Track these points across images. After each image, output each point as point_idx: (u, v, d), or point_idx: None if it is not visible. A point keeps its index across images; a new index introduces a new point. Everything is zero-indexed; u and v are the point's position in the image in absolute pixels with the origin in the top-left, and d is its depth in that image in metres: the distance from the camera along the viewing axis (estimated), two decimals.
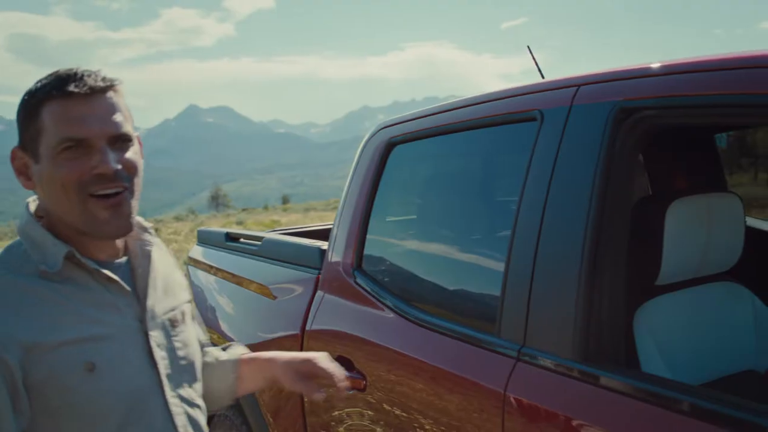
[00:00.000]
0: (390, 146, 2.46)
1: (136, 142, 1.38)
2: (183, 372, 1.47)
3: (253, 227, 19.65)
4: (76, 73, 1.29)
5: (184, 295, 1.60)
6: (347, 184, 2.64)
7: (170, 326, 1.46)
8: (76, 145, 1.27)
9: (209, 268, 3.68)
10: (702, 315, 1.89)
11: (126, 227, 1.34)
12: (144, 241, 1.45)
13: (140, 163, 1.37)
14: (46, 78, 1.31)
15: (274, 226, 12.93)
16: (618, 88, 1.63)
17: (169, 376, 1.41)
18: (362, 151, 2.61)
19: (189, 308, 1.59)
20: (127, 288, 1.37)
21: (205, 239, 4.23)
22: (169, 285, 1.52)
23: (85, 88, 1.27)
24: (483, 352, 1.81)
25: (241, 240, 3.65)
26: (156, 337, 1.41)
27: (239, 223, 23.27)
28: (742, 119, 1.45)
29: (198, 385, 1.53)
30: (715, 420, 1.32)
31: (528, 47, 3.00)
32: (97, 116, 1.28)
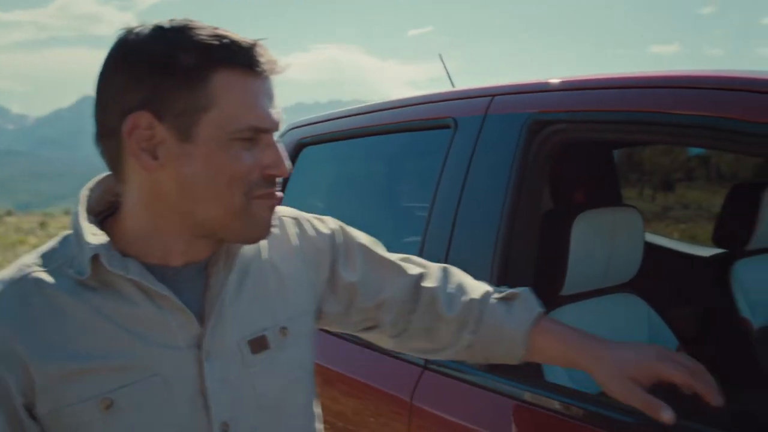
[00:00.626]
0: (299, 147, 2.42)
1: None
2: (259, 416, 1.11)
3: None
4: (254, 43, 1.01)
5: (306, 301, 1.24)
6: None
7: (249, 353, 1.11)
8: (254, 136, 1.02)
9: None
10: (602, 325, 1.94)
11: (269, 232, 1.10)
12: (233, 246, 1.12)
13: None
14: (204, 34, 0.98)
15: None
16: (533, 100, 1.66)
17: (229, 424, 1.06)
18: None
19: (307, 321, 1.24)
20: (180, 304, 1.03)
21: None
22: (270, 292, 1.17)
23: (267, 70, 1.02)
24: (392, 361, 1.79)
25: None
26: (217, 369, 1.06)
27: None
28: (647, 137, 1.50)
29: (297, 421, 1.18)
30: (613, 427, 1.35)
31: (440, 56, 3.03)
32: (274, 105, 1.04)
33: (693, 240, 4.86)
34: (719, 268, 2.44)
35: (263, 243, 1.19)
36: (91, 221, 1.05)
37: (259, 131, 1.02)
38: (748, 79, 1.36)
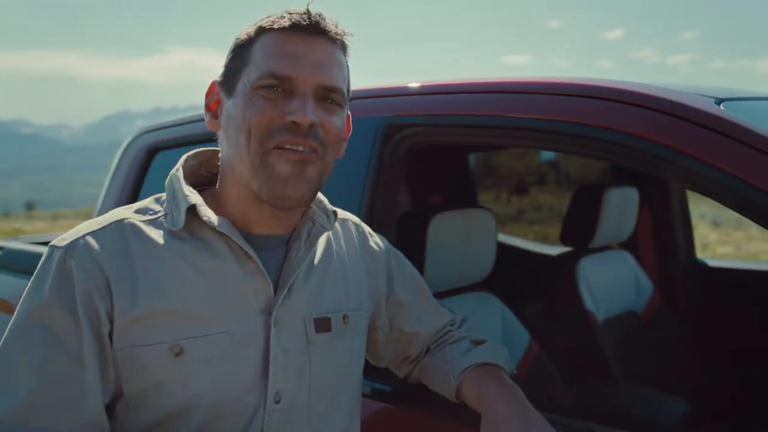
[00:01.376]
0: (152, 152, 2.33)
1: (345, 111, 1.17)
2: (309, 394, 1.16)
3: None
4: (307, 11, 1.09)
5: (363, 300, 1.30)
6: (104, 190, 2.46)
7: (313, 330, 1.17)
8: (279, 85, 1.07)
9: None
10: None
11: (304, 193, 1.10)
12: (317, 225, 1.20)
13: (342, 134, 1.16)
14: (271, 15, 1.12)
15: (16, 235, 11.77)
16: (387, 105, 1.69)
17: (281, 394, 1.12)
18: (122, 156, 2.45)
19: (363, 318, 1.29)
20: (261, 268, 1.10)
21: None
22: (337, 282, 1.24)
23: (308, 24, 1.08)
24: None
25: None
26: (282, 338, 1.12)
27: None
28: (496, 140, 1.56)
29: (340, 416, 1.22)
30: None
31: None
32: (313, 59, 1.08)
33: (545, 240, 5.14)
34: (566, 265, 2.58)
35: (334, 236, 1.30)
36: (186, 182, 1.15)
37: (285, 80, 1.07)
38: (582, 86, 1.45)
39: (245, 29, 1.14)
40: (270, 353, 1.11)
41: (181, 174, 1.16)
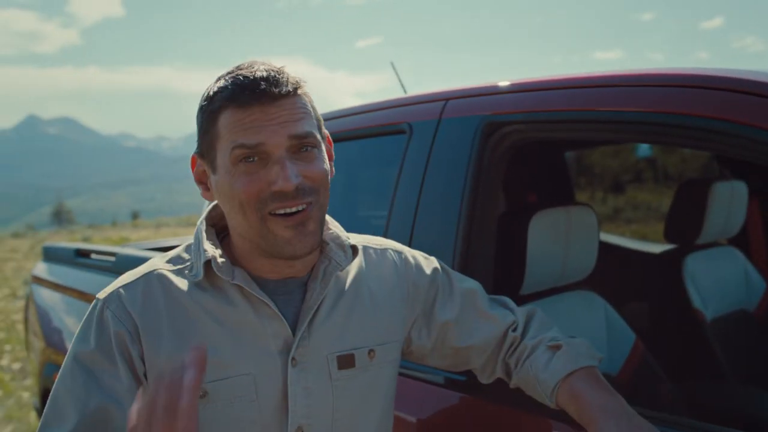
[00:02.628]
0: None
1: (323, 143, 1.22)
2: (336, 424, 1.22)
3: (101, 244, 18.71)
4: (255, 78, 1.12)
5: (395, 331, 1.34)
6: None
7: (336, 368, 1.23)
8: (253, 154, 1.12)
9: (55, 286, 3.45)
10: (560, 322, 1.96)
11: (311, 245, 1.17)
12: (333, 262, 1.25)
13: (327, 170, 1.20)
14: (224, 79, 1.16)
15: (123, 243, 12.34)
16: (485, 103, 1.68)
17: (303, 429, 1.19)
18: None
19: (394, 349, 1.33)
20: (276, 311, 1.18)
21: (52, 256, 3.96)
22: (364, 317, 1.29)
23: (263, 98, 1.12)
24: None
25: (93, 256, 3.45)
26: (302, 376, 1.19)
27: (85, 240, 22.06)
28: (596, 135, 1.53)
29: None
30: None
31: (392, 63, 3.05)
32: (276, 121, 1.12)
33: (644, 239, 4.98)
34: (671, 263, 2.50)
35: (362, 269, 1.33)
36: (210, 234, 1.24)
37: (256, 148, 1.11)
38: (692, 76, 1.40)
39: (204, 96, 1.18)
40: (288, 392, 1.18)
41: (204, 226, 1.25)
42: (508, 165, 1.71)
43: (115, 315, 1.14)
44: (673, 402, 2.04)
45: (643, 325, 2.40)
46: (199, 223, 1.27)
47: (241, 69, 1.16)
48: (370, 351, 1.28)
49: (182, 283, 1.19)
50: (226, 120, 1.13)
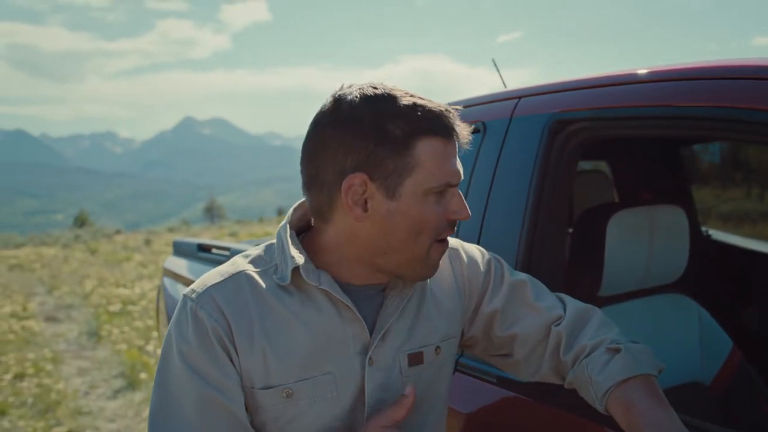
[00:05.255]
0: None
1: None
2: (407, 421, 1.27)
3: (246, 239, 19.63)
4: (442, 109, 1.19)
5: (455, 326, 1.40)
6: None
7: (406, 365, 1.30)
8: (445, 189, 1.20)
9: (181, 279, 3.69)
10: (646, 327, 1.90)
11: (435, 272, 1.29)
12: None
13: None
14: (408, 108, 1.16)
15: (263, 237, 12.93)
16: (554, 101, 1.65)
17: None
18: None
19: (454, 344, 1.41)
20: (358, 316, 1.24)
21: (180, 250, 4.24)
22: (430, 316, 1.35)
23: (455, 133, 1.20)
24: None
25: (213, 250, 3.67)
26: (377, 375, 1.26)
27: (232, 235, 23.25)
28: (669, 131, 1.46)
29: (429, 428, 1.37)
30: None
31: (493, 60, 3.03)
32: (457, 160, 1.22)
33: None
34: None
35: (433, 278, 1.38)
36: (294, 238, 1.26)
37: (451, 186, 1.20)
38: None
39: (385, 116, 1.15)
40: (366, 389, 1.25)
41: (287, 230, 1.27)
42: (614, 161, 1.64)
43: (210, 315, 1.18)
44: None
45: (751, 332, 2.25)
46: (282, 225, 1.30)
47: (424, 104, 1.17)
48: (437, 348, 1.35)
49: (268, 285, 1.23)
50: (429, 149, 1.16)
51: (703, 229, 3.36)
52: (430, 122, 1.16)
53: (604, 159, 3.47)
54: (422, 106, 1.16)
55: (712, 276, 2.75)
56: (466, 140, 1.22)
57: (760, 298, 2.50)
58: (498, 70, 2.92)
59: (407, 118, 1.15)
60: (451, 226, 1.24)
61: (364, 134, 1.15)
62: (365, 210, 1.18)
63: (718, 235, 3.47)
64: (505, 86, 2.59)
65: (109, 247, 22.86)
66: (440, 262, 1.36)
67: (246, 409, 1.20)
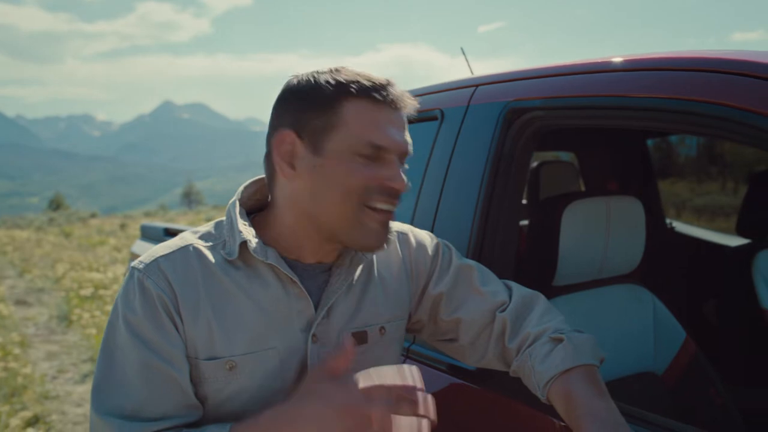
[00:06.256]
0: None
1: None
2: None
3: None
4: (389, 82, 1.23)
5: (403, 308, 1.42)
6: None
7: (352, 344, 1.27)
8: (374, 153, 1.20)
9: None
10: (601, 317, 1.90)
11: (384, 243, 1.27)
12: (359, 253, 1.34)
13: None
14: (346, 74, 1.22)
15: None
16: (510, 89, 1.65)
17: None
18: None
19: (401, 326, 1.42)
20: (304, 291, 1.26)
21: (148, 234, 4.21)
22: (376, 297, 1.37)
23: (397, 103, 1.23)
24: None
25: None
26: (321, 353, 1.27)
27: (209, 220, 23.11)
28: (621, 122, 1.46)
29: None
30: None
31: (461, 49, 3.02)
32: (398, 131, 1.23)
33: None
34: (741, 259, 2.35)
35: (376, 261, 1.40)
36: (243, 214, 1.29)
37: (380, 149, 1.20)
38: (721, 60, 1.30)
39: (321, 79, 1.21)
40: (308, 365, 1.26)
41: (237, 207, 1.30)
42: (581, 151, 1.65)
43: (156, 284, 1.18)
44: (724, 407, 1.93)
45: (703, 323, 2.28)
46: (231, 203, 1.32)
47: (362, 74, 1.22)
48: (381, 328, 1.37)
49: (216, 260, 1.24)
50: (355, 109, 1.19)
51: (668, 221, 3.39)
52: (360, 85, 1.20)
53: (570, 149, 3.48)
54: (361, 74, 1.21)
55: (674, 268, 2.77)
56: (409, 110, 1.25)
57: (719, 290, 2.52)
58: (466, 58, 2.92)
59: (341, 81, 1.20)
60: (385, 194, 1.22)
61: (299, 97, 1.22)
62: (293, 168, 1.23)
63: (682, 227, 3.50)
64: (473, 75, 2.59)
65: (84, 230, 22.64)
66: (391, 245, 1.41)
67: (190, 380, 1.20)
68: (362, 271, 1.37)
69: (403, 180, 1.22)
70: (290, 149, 1.22)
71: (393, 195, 1.23)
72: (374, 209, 1.22)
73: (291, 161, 1.23)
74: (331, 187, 1.20)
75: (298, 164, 1.22)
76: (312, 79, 1.22)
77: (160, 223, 4.14)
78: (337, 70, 1.23)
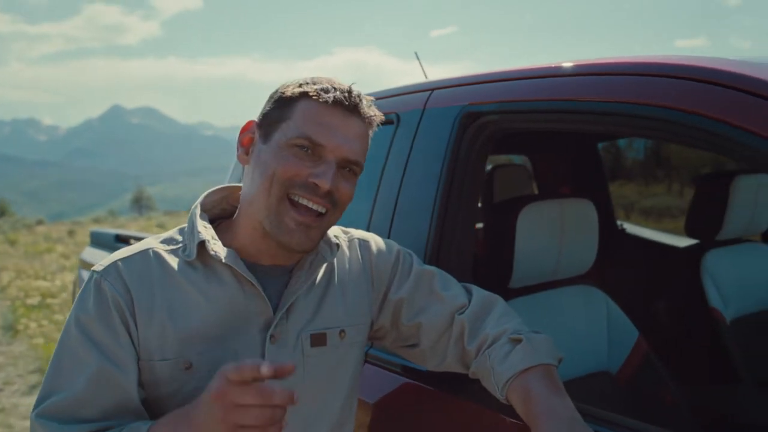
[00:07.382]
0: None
1: (357, 179, 1.34)
2: (307, 396, 1.31)
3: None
4: (348, 88, 1.28)
5: (363, 314, 1.43)
6: None
7: (308, 345, 1.33)
8: (310, 148, 1.24)
9: None
10: (555, 317, 1.93)
11: (307, 247, 1.28)
12: (319, 256, 1.36)
13: (352, 197, 1.32)
14: (316, 80, 1.29)
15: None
16: (465, 93, 1.66)
17: None
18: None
19: (362, 331, 1.43)
20: (261, 292, 1.27)
21: (98, 241, 4.12)
22: (336, 301, 1.39)
23: (347, 107, 1.27)
24: None
25: (131, 241, 3.57)
26: (278, 354, 1.28)
27: (159, 226, 22.80)
28: (571, 125, 1.48)
29: (333, 415, 1.37)
30: None
31: (416, 53, 3.04)
32: (344, 134, 1.26)
33: None
34: (690, 258, 2.41)
35: (338, 258, 1.43)
36: (203, 218, 1.32)
37: (316, 146, 1.23)
38: (671, 65, 1.33)
39: (291, 85, 1.30)
40: None
41: (198, 210, 1.34)
42: (534, 154, 1.66)
43: (113, 285, 1.21)
44: (675, 404, 1.97)
45: (653, 322, 2.32)
46: (193, 207, 1.35)
47: (333, 81, 1.29)
48: (341, 331, 1.38)
49: (175, 262, 1.26)
50: (305, 107, 1.25)
51: (619, 222, 3.45)
52: (321, 88, 1.26)
53: (524, 153, 3.53)
54: (330, 81, 1.28)
55: (625, 268, 2.83)
56: (370, 120, 1.32)
57: (669, 290, 2.58)
58: (420, 62, 2.93)
59: (306, 83, 1.28)
60: (307, 190, 1.24)
61: (272, 96, 1.31)
62: (247, 153, 1.31)
63: (633, 229, 3.57)
64: (427, 78, 2.60)
65: (30, 238, 22.07)
66: (352, 253, 1.44)
67: (143, 386, 1.22)
68: (323, 275, 1.39)
69: (327, 179, 1.23)
70: (250, 137, 1.32)
71: (316, 193, 1.24)
72: (295, 205, 1.24)
73: (247, 148, 1.32)
74: (262, 173, 1.25)
75: (251, 151, 1.31)
76: (289, 83, 1.31)
77: (110, 230, 4.06)
78: (314, 77, 1.30)
